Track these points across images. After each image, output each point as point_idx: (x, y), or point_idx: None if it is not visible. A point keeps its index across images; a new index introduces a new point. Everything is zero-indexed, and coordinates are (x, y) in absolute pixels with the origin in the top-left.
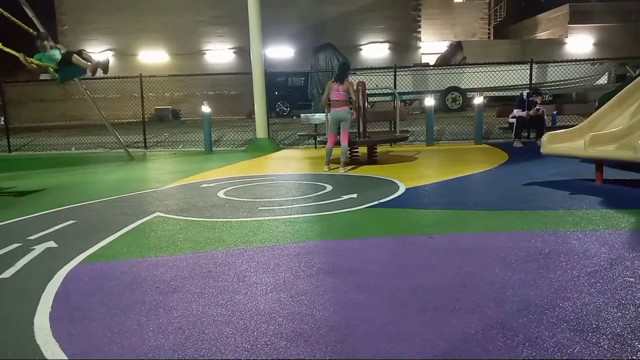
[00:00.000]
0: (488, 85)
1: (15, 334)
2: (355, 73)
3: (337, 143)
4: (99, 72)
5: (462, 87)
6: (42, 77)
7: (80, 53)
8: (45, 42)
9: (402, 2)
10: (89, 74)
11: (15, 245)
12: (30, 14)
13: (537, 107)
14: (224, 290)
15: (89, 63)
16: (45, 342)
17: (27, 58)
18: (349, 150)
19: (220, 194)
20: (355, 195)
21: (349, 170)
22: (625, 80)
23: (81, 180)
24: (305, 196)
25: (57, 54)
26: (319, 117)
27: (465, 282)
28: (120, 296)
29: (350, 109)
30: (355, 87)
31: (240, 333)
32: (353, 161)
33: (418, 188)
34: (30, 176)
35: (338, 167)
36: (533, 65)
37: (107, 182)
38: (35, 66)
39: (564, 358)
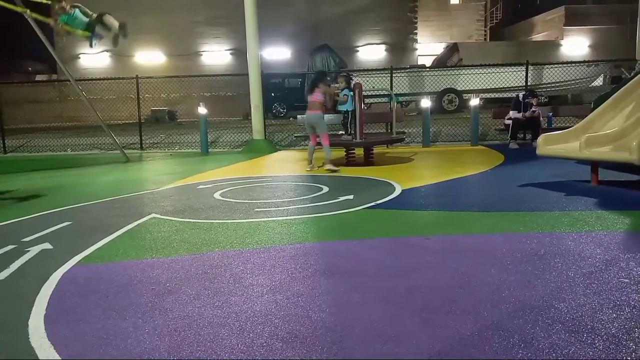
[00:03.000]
0: (484, 87)
1: (10, 336)
2: (352, 75)
3: (319, 144)
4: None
5: (459, 88)
6: (38, 77)
7: (104, 16)
8: (64, 3)
9: (398, 3)
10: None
11: (10, 247)
12: (25, 15)
13: (532, 108)
14: (220, 291)
15: (116, 24)
16: (40, 345)
17: (57, 22)
18: (346, 151)
19: (217, 195)
20: (351, 197)
21: (333, 171)
22: (620, 82)
23: (77, 181)
24: (301, 197)
25: (79, 16)
26: None
27: (461, 283)
28: (115, 298)
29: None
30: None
31: (236, 335)
32: (349, 162)
33: (414, 189)
34: (25, 178)
35: (321, 167)
36: (529, 67)
37: (103, 183)
38: (66, 31)
39: (559, 359)
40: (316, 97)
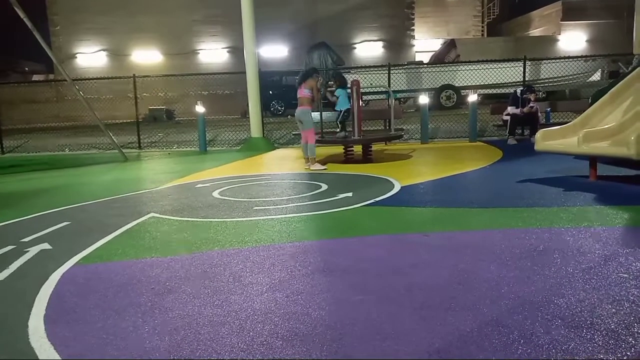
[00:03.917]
0: (482, 83)
1: (10, 336)
2: (350, 72)
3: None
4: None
5: (456, 84)
6: (35, 77)
7: None
8: None
9: (395, 0)
10: None
11: (9, 247)
12: (21, 14)
13: (530, 104)
14: (220, 290)
15: None
16: (40, 345)
17: None
18: (344, 149)
19: (215, 194)
20: (350, 194)
21: (318, 170)
22: (618, 76)
23: (75, 181)
24: (300, 195)
25: None
26: (313, 116)
27: (460, 279)
28: (115, 298)
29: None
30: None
31: (236, 333)
32: (348, 160)
33: (413, 186)
34: (24, 178)
35: (307, 168)
36: (526, 62)
37: (102, 183)
38: None
39: (559, 354)
40: (303, 93)
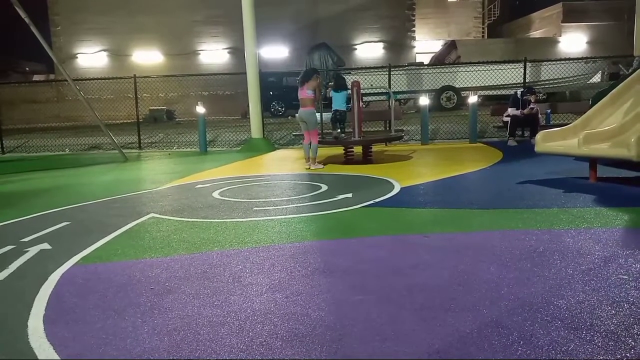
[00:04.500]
0: (482, 84)
1: (9, 336)
2: (350, 73)
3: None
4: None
5: (457, 86)
6: (36, 77)
7: None
8: None
9: (396, 1)
10: None
11: (9, 247)
12: (22, 14)
13: (531, 105)
14: (219, 291)
15: None
16: (39, 345)
17: None
18: (344, 150)
19: (215, 194)
20: (350, 195)
21: (317, 169)
22: (618, 78)
23: (75, 181)
24: (300, 196)
25: None
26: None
27: (460, 280)
28: (114, 298)
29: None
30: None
31: (236, 334)
32: (348, 161)
33: (413, 187)
34: (24, 178)
35: (308, 169)
36: (527, 64)
37: (101, 183)
38: None
39: (559, 356)
40: (305, 94)
